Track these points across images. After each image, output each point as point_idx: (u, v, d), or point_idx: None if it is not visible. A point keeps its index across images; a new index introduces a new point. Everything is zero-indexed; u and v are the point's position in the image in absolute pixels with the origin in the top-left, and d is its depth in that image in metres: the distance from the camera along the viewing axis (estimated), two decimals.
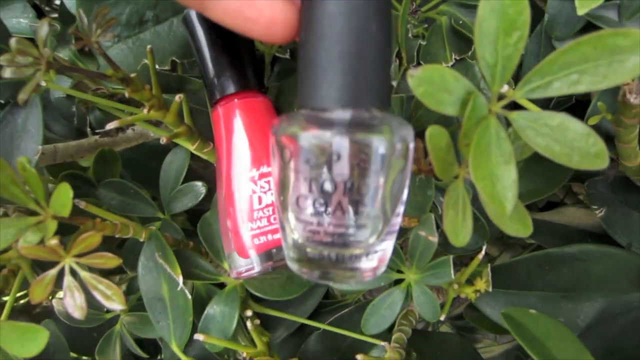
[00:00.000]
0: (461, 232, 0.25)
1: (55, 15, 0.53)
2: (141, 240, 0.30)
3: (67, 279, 0.23)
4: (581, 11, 0.26)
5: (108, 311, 0.34)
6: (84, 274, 0.23)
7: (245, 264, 0.28)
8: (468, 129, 0.23)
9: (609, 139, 0.31)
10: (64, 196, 0.23)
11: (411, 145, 0.22)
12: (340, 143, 0.20)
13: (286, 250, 0.24)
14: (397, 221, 0.23)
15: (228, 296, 0.30)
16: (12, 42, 0.25)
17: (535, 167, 0.35)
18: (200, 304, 0.31)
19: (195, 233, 0.33)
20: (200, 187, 0.33)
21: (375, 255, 0.23)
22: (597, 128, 0.31)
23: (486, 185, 0.22)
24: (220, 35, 0.28)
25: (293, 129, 0.21)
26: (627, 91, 0.26)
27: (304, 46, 0.21)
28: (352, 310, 0.35)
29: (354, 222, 0.22)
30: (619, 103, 0.27)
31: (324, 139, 0.20)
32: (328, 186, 0.21)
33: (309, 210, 0.22)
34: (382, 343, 0.29)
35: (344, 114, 0.21)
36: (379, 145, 0.21)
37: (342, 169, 0.20)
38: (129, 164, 0.41)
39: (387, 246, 0.23)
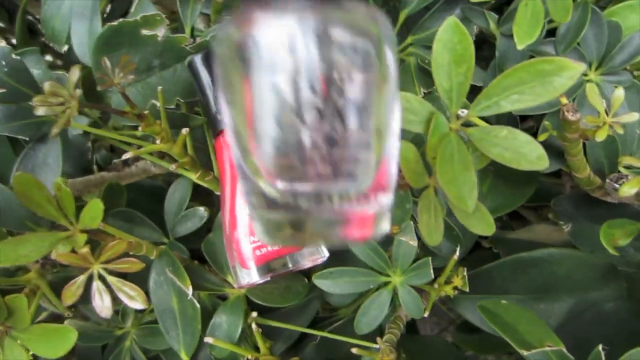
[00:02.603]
0: (434, 233, 0.30)
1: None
2: (152, 257, 0.34)
3: (96, 283, 0.28)
4: (519, 46, 0.32)
5: (119, 328, 0.37)
6: (110, 278, 0.28)
7: (247, 275, 0.33)
8: (433, 144, 0.29)
9: (561, 154, 0.37)
10: (95, 210, 0.28)
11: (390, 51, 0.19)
12: (310, 25, 0.17)
13: (259, 223, 0.20)
14: (395, 145, 0.20)
15: (233, 305, 0.34)
16: (46, 84, 0.30)
17: (500, 186, 0.41)
18: (205, 315, 0.35)
19: (196, 255, 0.38)
20: (202, 211, 0.38)
21: (379, 196, 0.19)
22: (549, 145, 0.38)
23: (451, 188, 0.28)
24: None
25: (243, 27, 0.18)
26: (565, 110, 0.32)
27: None
28: (344, 322, 0.39)
29: (357, 137, 0.18)
30: (561, 121, 0.33)
31: (289, 22, 0.17)
32: (315, 84, 0.17)
33: (296, 126, 0.17)
34: (376, 345, 0.34)
35: None
36: (365, 26, 0.18)
37: (329, 62, 0.17)
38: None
39: (385, 195, 0.20)
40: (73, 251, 0.28)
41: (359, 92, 0.18)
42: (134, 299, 0.28)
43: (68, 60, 0.47)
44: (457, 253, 0.34)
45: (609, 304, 0.35)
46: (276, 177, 0.18)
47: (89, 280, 0.28)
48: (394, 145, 0.20)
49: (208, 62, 0.34)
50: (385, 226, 0.20)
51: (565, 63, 0.26)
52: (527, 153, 0.28)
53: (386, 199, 0.20)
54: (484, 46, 0.44)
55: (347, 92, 0.17)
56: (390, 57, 0.19)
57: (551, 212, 0.49)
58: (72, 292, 0.28)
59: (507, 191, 0.41)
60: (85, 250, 0.28)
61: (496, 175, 0.42)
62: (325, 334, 0.36)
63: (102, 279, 0.28)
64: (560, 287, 0.37)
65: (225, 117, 0.20)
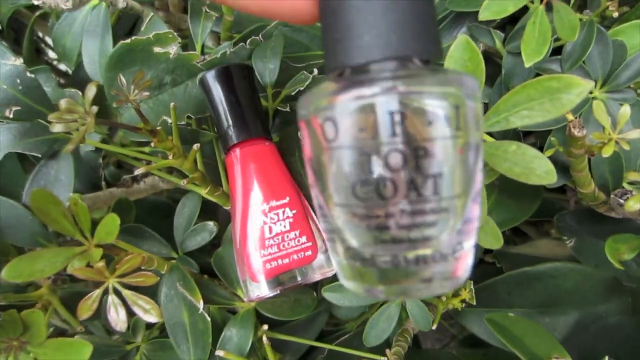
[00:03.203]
0: None
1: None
2: (162, 272, 0.35)
3: (111, 297, 0.28)
4: (527, 64, 0.33)
5: (128, 342, 0.38)
6: (125, 292, 0.28)
7: (257, 288, 0.33)
8: None
9: (566, 170, 0.38)
10: (111, 224, 0.28)
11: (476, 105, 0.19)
12: (393, 99, 0.17)
13: (338, 267, 0.21)
14: (477, 204, 0.20)
15: (243, 319, 0.34)
16: (62, 102, 0.31)
17: (505, 200, 0.42)
18: (216, 329, 0.35)
19: (203, 270, 0.38)
20: (212, 225, 0.38)
21: (458, 253, 0.19)
22: (554, 161, 0.38)
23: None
24: (232, 92, 0.35)
25: (324, 100, 0.18)
26: (571, 126, 0.33)
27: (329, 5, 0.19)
28: (351, 336, 0.39)
29: (434, 205, 0.18)
30: (567, 137, 0.34)
31: (369, 98, 0.17)
32: (396, 159, 0.17)
33: (372, 198, 0.18)
34: (383, 358, 0.34)
35: (389, 65, 0.18)
36: (444, 98, 0.18)
37: (406, 133, 0.17)
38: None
39: (469, 239, 0.20)
40: (88, 265, 0.29)
41: (437, 163, 0.18)
42: (148, 312, 0.28)
43: (77, 78, 0.48)
44: None
45: (614, 318, 0.36)
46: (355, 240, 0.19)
47: (104, 294, 0.28)
48: (477, 190, 0.20)
49: (220, 78, 0.35)
50: (469, 266, 0.20)
51: (573, 80, 0.27)
52: (536, 168, 0.28)
53: (468, 243, 0.20)
54: (488, 64, 0.45)
55: (425, 165, 0.17)
56: (473, 116, 0.19)
57: (554, 227, 0.50)
58: (87, 306, 0.28)
59: (512, 206, 0.41)
60: (101, 264, 0.28)
61: (501, 191, 0.42)
62: (333, 347, 0.36)
63: (116, 293, 0.28)
64: (565, 301, 0.38)
65: (310, 178, 0.21)
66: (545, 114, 0.28)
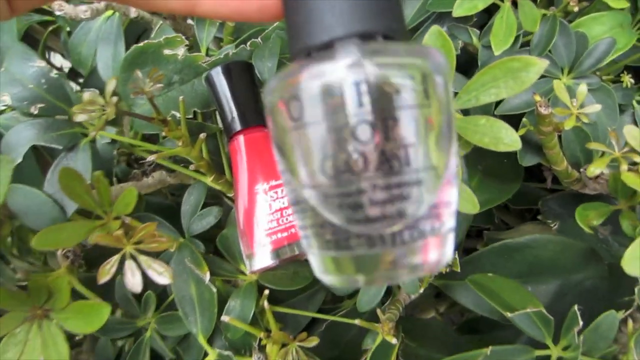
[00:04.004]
0: None
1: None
2: (172, 250, 0.39)
3: (128, 262, 0.32)
4: (496, 52, 0.38)
5: (140, 319, 0.41)
6: (141, 257, 0.32)
7: (259, 260, 0.37)
8: None
9: (540, 149, 0.41)
10: (129, 196, 0.32)
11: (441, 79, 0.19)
12: (358, 71, 0.17)
13: (315, 260, 0.20)
14: (453, 186, 0.20)
15: (246, 290, 0.38)
16: (86, 94, 0.36)
17: (488, 182, 0.45)
18: (221, 303, 0.39)
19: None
20: (217, 210, 0.42)
21: (436, 233, 0.19)
22: (529, 141, 0.42)
23: None
24: (235, 86, 0.39)
25: (289, 80, 0.18)
26: (538, 105, 0.37)
27: None
28: (348, 311, 0.43)
29: (406, 177, 0.18)
30: (536, 116, 0.38)
31: (334, 73, 0.17)
32: (364, 130, 0.17)
33: (343, 174, 0.18)
34: (377, 324, 0.37)
35: (353, 41, 0.18)
36: (411, 68, 0.18)
37: (374, 104, 0.17)
38: None
39: (447, 220, 0.19)
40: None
41: (407, 133, 0.18)
42: (162, 275, 0.32)
43: (89, 85, 0.53)
44: None
45: (590, 281, 0.39)
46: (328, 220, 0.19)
47: (122, 260, 0.32)
48: (452, 171, 0.19)
49: (224, 74, 0.39)
50: (449, 251, 0.20)
51: (531, 60, 0.32)
52: (503, 137, 0.32)
53: (447, 224, 0.19)
54: (466, 58, 0.49)
55: (395, 135, 0.17)
56: (442, 88, 0.19)
57: (540, 213, 0.53)
58: (106, 270, 0.32)
59: (494, 187, 0.45)
60: (120, 232, 0.32)
61: (484, 174, 0.46)
62: (331, 317, 0.40)
63: (133, 258, 0.32)
64: (545, 271, 0.41)
65: (280, 164, 0.21)
66: (509, 91, 0.33)
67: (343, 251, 0.19)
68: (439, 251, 0.19)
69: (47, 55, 0.75)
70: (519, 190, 0.51)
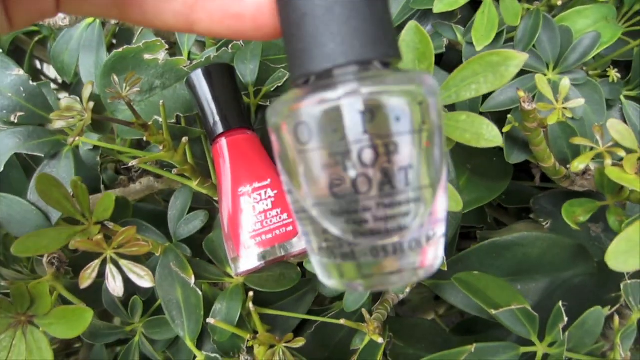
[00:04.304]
0: None
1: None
2: (157, 254, 0.39)
3: (109, 266, 0.32)
4: (478, 48, 0.38)
5: (128, 324, 0.41)
6: (122, 261, 0.32)
7: (245, 263, 0.37)
8: None
9: (526, 146, 0.41)
10: (107, 202, 0.32)
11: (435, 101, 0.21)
12: (359, 99, 0.19)
13: (318, 266, 0.22)
14: (444, 194, 0.21)
15: (232, 292, 0.38)
16: (63, 101, 0.36)
17: (476, 182, 0.45)
18: (207, 307, 0.39)
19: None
20: (203, 215, 0.42)
21: (431, 240, 0.21)
22: (516, 138, 0.42)
23: None
24: (216, 88, 0.39)
25: (292, 106, 0.20)
26: (522, 101, 0.37)
27: (288, 13, 0.20)
28: (336, 313, 0.43)
29: (406, 195, 0.20)
30: (520, 112, 0.38)
31: (336, 100, 0.19)
32: (368, 155, 0.19)
33: (348, 194, 0.20)
34: (363, 324, 0.37)
35: (352, 69, 0.20)
36: (409, 96, 0.20)
37: (376, 130, 0.19)
38: None
39: (440, 227, 0.21)
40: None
41: (407, 156, 0.19)
42: (143, 278, 0.32)
43: (77, 92, 0.53)
44: None
45: (578, 278, 0.39)
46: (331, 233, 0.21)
47: (103, 264, 0.32)
48: (444, 183, 0.21)
49: (204, 76, 0.39)
50: (441, 253, 0.22)
51: (510, 54, 0.32)
52: (484, 133, 0.32)
53: (439, 231, 0.21)
54: (451, 54, 0.49)
55: (396, 159, 0.19)
56: (435, 112, 0.20)
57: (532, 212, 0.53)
58: (87, 275, 0.32)
59: (482, 186, 0.45)
60: (100, 237, 0.32)
61: (472, 173, 0.46)
62: (319, 318, 0.40)
63: (114, 263, 0.32)
64: (534, 268, 0.41)
65: (283, 176, 0.22)
66: (489, 86, 0.32)
67: (346, 260, 0.21)
68: (433, 255, 0.21)
69: (40, 66, 0.76)
70: (512, 188, 0.51)
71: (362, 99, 0.19)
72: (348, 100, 0.19)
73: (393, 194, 0.19)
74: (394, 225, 0.20)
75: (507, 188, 0.48)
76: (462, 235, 0.60)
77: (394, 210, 0.20)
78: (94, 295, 0.42)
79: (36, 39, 0.59)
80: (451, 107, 0.39)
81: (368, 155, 0.19)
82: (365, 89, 0.19)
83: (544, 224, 0.50)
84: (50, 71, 0.75)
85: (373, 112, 0.19)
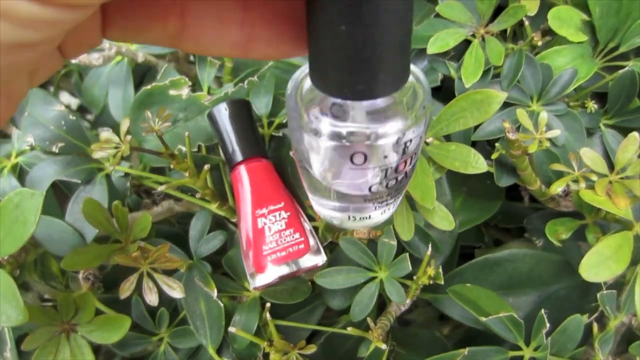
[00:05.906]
0: (407, 230, 0.41)
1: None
2: (182, 270, 0.45)
3: (146, 279, 0.38)
4: (467, 84, 0.44)
5: (154, 334, 0.47)
6: (156, 275, 0.38)
7: (261, 278, 0.43)
8: None
9: (514, 170, 0.47)
10: (144, 222, 0.38)
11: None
12: (363, 135, 0.25)
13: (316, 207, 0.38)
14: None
15: (250, 305, 0.44)
16: (103, 134, 0.42)
17: (471, 203, 0.51)
18: (227, 318, 0.44)
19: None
20: (222, 235, 0.48)
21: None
22: (505, 164, 0.48)
23: (416, 192, 0.39)
24: (235, 121, 0.46)
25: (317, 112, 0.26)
26: (507, 132, 0.43)
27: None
28: (345, 324, 0.48)
29: (393, 199, 0.34)
30: (505, 141, 0.44)
31: (344, 133, 0.25)
32: (393, 157, 0.27)
33: (360, 201, 0.32)
34: (368, 332, 0.43)
35: (364, 106, 0.25)
36: (400, 133, 0.26)
37: (377, 157, 0.27)
38: None
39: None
40: None
41: (401, 173, 0.30)
42: (175, 290, 0.38)
43: (99, 122, 0.60)
44: (430, 249, 0.43)
45: (564, 291, 0.45)
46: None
47: (140, 278, 0.38)
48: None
49: (224, 111, 0.46)
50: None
51: (491, 93, 0.38)
52: (471, 161, 0.39)
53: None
54: (446, 88, 0.55)
55: (395, 176, 0.30)
56: (420, 138, 0.28)
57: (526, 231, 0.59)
58: (127, 287, 0.38)
59: (476, 207, 0.51)
60: (137, 253, 0.38)
61: (467, 195, 0.52)
62: (328, 328, 0.45)
63: (149, 276, 0.38)
64: (524, 283, 0.47)
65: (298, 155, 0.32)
66: (475, 120, 0.39)
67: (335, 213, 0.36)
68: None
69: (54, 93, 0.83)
70: (507, 210, 0.57)
71: (365, 135, 0.26)
72: (354, 134, 0.26)
73: (389, 196, 0.33)
74: (368, 215, 0.36)
75: (504, 209, 0.53)
76: (463, 255, 0.65)
77: (379, 207, 0.34)
78: (124, 308, 0.48)
79: (62, 72, 0.66)
80: (447, 137, 0.46)
81: (377, 175, 0.29)
82: (372, 131, 0.26)
83: (536, 242, 0.56)
84: (64, 97, 0.81)
85: (374, 145, 0.26)
